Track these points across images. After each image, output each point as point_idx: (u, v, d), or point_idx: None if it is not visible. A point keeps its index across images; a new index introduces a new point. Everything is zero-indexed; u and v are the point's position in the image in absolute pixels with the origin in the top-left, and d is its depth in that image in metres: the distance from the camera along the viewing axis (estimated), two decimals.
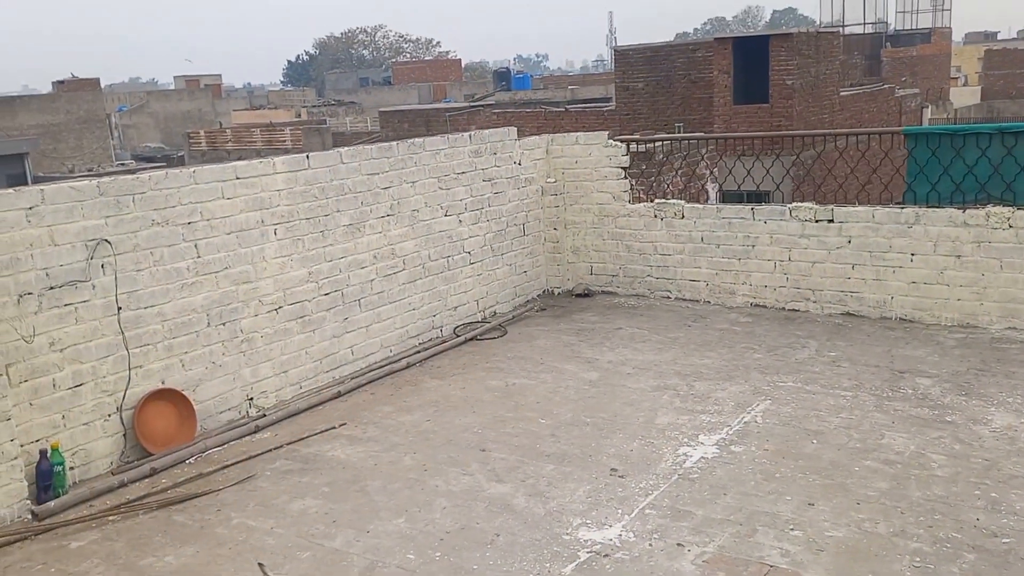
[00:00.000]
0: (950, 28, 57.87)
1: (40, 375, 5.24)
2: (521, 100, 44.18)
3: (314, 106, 55.32)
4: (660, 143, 11.64)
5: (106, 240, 5.54)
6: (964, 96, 50.15)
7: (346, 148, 7.26)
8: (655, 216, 8.87)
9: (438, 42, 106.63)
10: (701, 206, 8.67)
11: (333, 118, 45.52)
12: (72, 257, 5.38)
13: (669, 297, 8.92)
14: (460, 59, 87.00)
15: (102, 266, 5.54)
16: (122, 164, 40.24)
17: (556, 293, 9.49)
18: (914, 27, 56.87)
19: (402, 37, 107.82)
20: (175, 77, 73.10)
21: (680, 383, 6.55)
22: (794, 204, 8.09)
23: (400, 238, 7.72)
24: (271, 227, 6.60)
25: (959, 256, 7.26)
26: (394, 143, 7.66)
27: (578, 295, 9.34)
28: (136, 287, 5.74)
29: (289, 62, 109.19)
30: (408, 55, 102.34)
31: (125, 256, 5.66)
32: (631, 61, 27.54)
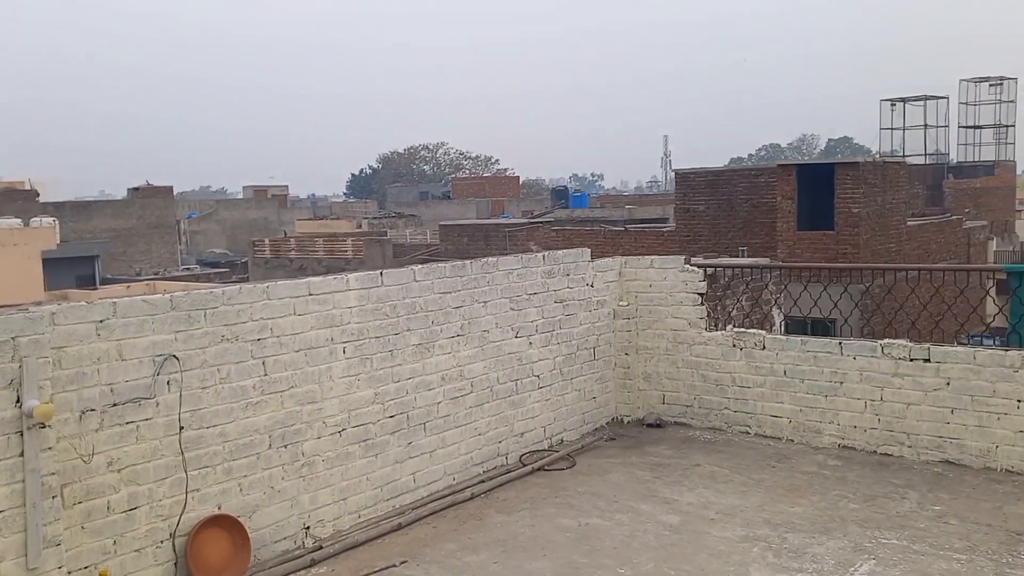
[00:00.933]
0: (1014, 161, 57.60)
1: (95, 497, 4.95)
2: (579, 218, 44.66)
3: (375, 218, 56.63)
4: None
5: (174, 356, 5.34)
6: None
7: (420, 266, 7.09)
8: (733, 345, 8.47)
9: (496, 159, 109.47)
10: (784, 337, 8.25)
11: (393, 230, 46.43)
12: (138, 373, 5.18)
13: (748, 432, 8.40)
14: (518, 176, 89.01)
15: (167, 383, 5.32)
16: (187, 269, 41.30)
17: (626, 422, 9.04)
18: (977, 159, 56.70)
19: (462, 154, 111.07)
20: (244, 187, 75.92)
21: (771, 534, 6.00)
22: (886, 341, 7.63)
23: (469, 359, 7.43)
24: (340, 345, 6.37)
25: None
26: (467, 262, 7.48)
27: (649, 425, 8.88)
28: (200, 405, 5.49)
29: (352, 175, 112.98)
30: (467, 171, 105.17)
31: (191, 373, 5.45)
32: (692, 184, 27.65)
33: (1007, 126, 58.21)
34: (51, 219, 34.93)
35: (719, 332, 8.62)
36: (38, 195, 42.92)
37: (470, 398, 7.45)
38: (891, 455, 7.57)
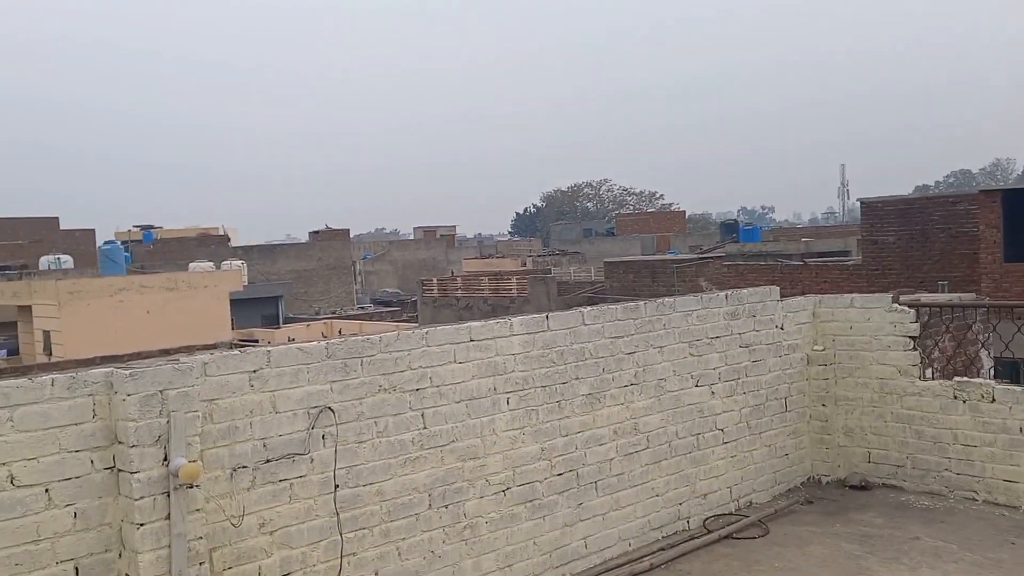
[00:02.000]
0: None
1: (246, 561, 4.61)
2: (751, 252, 42.78)
3: (539, 255, 56.79)
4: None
5: (329, 408, 4.97)
6: None
7: (589, 308, 6.47)
8: (954, 397, 7.28)
9: (661, 195, 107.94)
10: (1019, 388, 6.99)
11: (557, 267, 46.27)
12: (292, 426, 4.84)
13: (975, 499, 7.16)
14: (683, 210, 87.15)
15: (323, 437, 4.95)
16: (362, 308, 42.79)
17: (824, 482, 7.98)
18: None
19: (626, 190, 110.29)
20: (414, 228, 78.51)
21: None
22: None
23: (644, 411, 6.71)
24: (503, 396, 5.84)
25: None
26: (641, 303, 6.79)
27: (853, 487, 7.77)
28: (356, 461, 5.09)
29: (517, 214, 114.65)
30: (631, 207, 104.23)
31: (347, 426, 5.06)
32: (880, 214, 25.62)
33: None
34: (239, 262, 37.14)
35: (936, 381, 7.44)
36: (229, 239, 45.96)
37: (646, 454, 6.71)
38: None
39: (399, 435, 5.30)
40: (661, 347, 6.84)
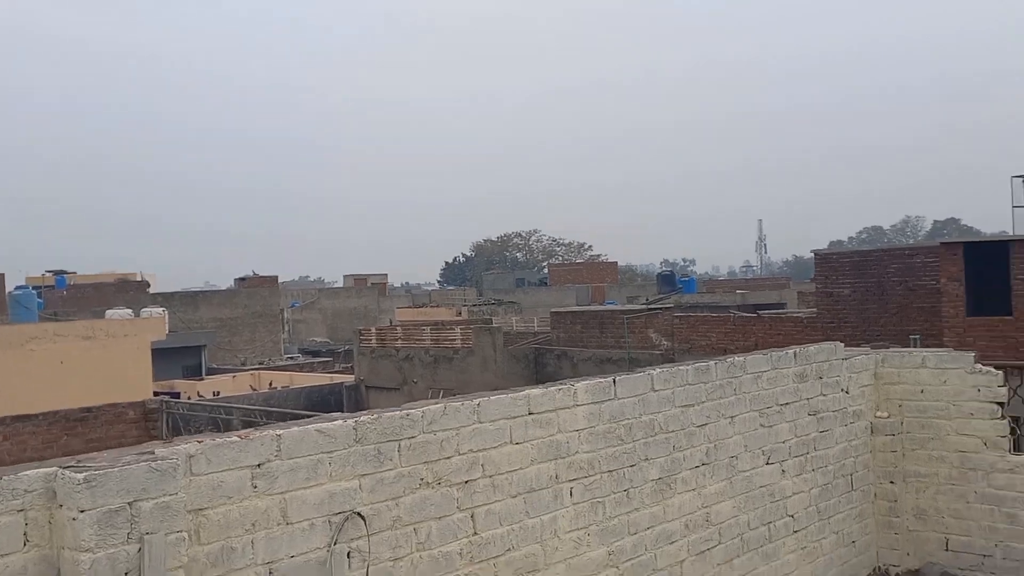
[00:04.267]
0: None
1: None
2: (690, 304, 42.35)
3: (475, 305, 55.47)
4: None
5: (358, 513, 3.55)
6: None
7: (657, 370, 5.19)
8: None
9: (590, 246, 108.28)
10: None
11: (495, 317, 45.01)
12: (308, 543, 3.39)
13: None
14: (615, 261, 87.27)
15: (348, 555, 3.52)
16: (291, 358, 40.54)
17: (893, 573, 6.81)
18: None
19: (555, 241, 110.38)
20: (344, 276, 76.31)
21: None
22: None
23: (716, 497, 5.44)
24: (567, 485, 4.50)
25: None
26: (711, 363, 5.56)
27: None
28: None
29: (446, 263, 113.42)
30: (560, 257, 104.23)
31: (381, 537, 3.63)
32: (834, 266, 25.22)
33: None
34: (160, 309, 34.73)
35: None
36: (148, 286, 43.28)
37: (718, 551, 5.42)
38: None
39: (444, 546, 3.89)
40: (732, 417, 5.60)
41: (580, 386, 4.65)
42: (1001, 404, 6.54)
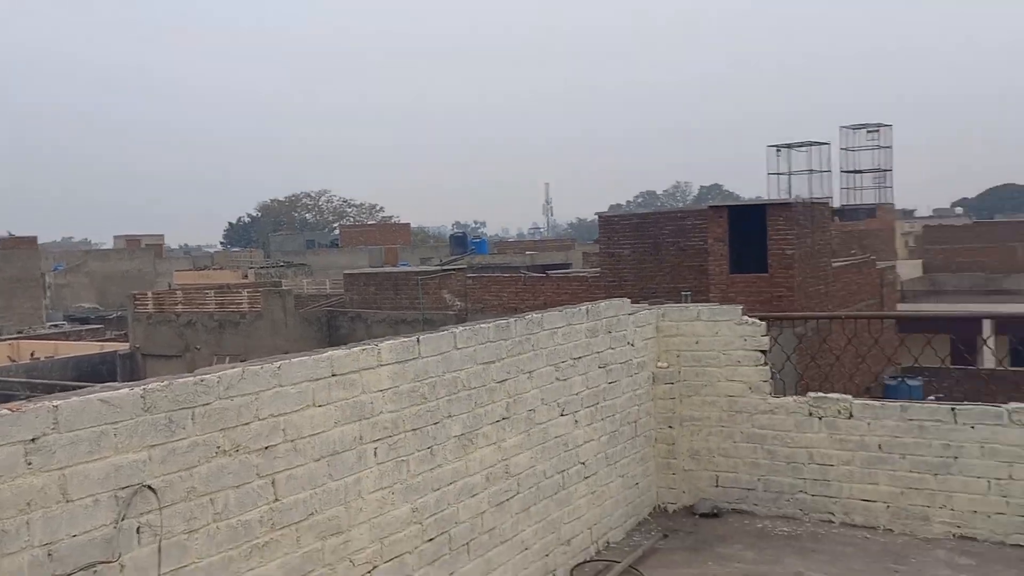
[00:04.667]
0: (893, 203, 60.16)
1: None
2: (482, 265, 43.14)
3: (262, 267, 53.38)
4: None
5: (148, 486, 3.33)
6: (908, 269, 51.15)
7: (460, 328, 5.24)
8: (810, 414, 6.97)
9: (381, 207, 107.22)
10: (878, 403, 6.82)
11: (284, 279, 43.59)
12: (92, 520, 3.14)
13: (832, 521, 6.87)
14: (408, 223, 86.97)
15: (138, 530, 3.29)
16: (55, 325, 37.17)
17: (671, 511, 7.37)
18: (858, 203, 58.84)
19: (346, 202, 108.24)
20: (115, 236, 70.71)
21: None
22: (1014, 406, 6.29)
23: (515, 449, 5.61)
24: (371, 445, 4.46)
25: None
26: (511, 320, 5.69)
27: (703, 515, 7.22)
28: (185, 561, 3.47)
29: (230, 224, 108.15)
30: (352, 219, 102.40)
31: (174, 510, 3.43)
32: (616, 228, 26.60)
33: (885, 170, 60.79)
34: None
35: (790, 398, 7.10)
36: None
37: (516, 501, 5.61)
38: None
39: (244, 515, 3.74)
40: (530, 372, 5.79)
41: (384, 346, 4.60)
42: (764, 352, 7.20)
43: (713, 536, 6.80)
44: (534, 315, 5.94)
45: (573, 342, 6.28)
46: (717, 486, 7.36)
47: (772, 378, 7.23)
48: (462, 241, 52.79)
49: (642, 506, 7.23)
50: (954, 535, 6.43)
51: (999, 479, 6.28)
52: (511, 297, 27.35)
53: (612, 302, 6.90)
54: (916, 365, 26.75)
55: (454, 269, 32.26)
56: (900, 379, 25.28)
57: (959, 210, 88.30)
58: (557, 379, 6.07)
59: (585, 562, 6.25)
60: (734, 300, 22.96)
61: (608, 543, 6.64)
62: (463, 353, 5.16)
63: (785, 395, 7.18)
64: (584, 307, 6.52)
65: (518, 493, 5.62)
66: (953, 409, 6.46)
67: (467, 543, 5.14)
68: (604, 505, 6.63)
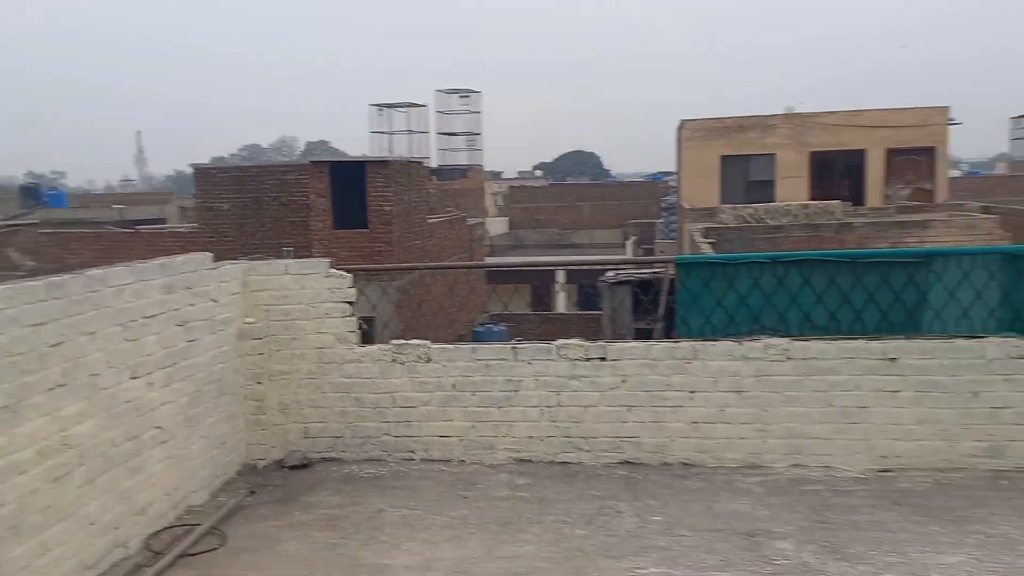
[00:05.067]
0: (483, 166, 64.96)
1: None
2: (61, 220, 38.46)
3: None
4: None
5: None
6: (496, 226, 55.86)
7: (3, 286, 4.60)
8: (393, 360, 7.30)
9: None
10: (452, 347, 7.34)
11: None
12: None
13: (413, 459, 7.32)
14: None
15: None
16: None
17: (261, 467, 7.30)
18: (453, 164, 62.61)
19: None
20: None
21: None
22: (562, 342, 7.18)
23: (76, 419, 5.12)
24: None
25: (740, 391, 6.93)
26: (66, 278, 5.13)
27: (293, 467, 7.26)
28: None
29: None
30: None
31: None
32: (215, 181, 25.41)
33: (475, 134, 65.34)
34: None
35: (376, 346, 7.37)
36: None
37: (79, 474, 5.14)
38: (569, 463, 7.14)
39: None
40: (92, 333, 5.29)
41: None
42: (351, 303, 7.38)
43: (302, 486, 6.87)
44: (97, 271, 5.42)
45: (145, 300, 5.86)
46: (307, 437, 7.44)
47: (361, 329, 7.45)
48: (34, 193, 46.49)
49: (230, 465, 7.06)
50: (514, 459, 7.21)
51: (549, 406, 7.16)
52: (96, 255, 24.86)
53: (191, 257, 6.56)
54: (504, 312, 29.55)
55: (24, 224, 28.39)
56: (488, 325, 27.71)
57: (539, 173, 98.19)
58: (126, 340, 5.63)
59: (163, 529, 5.94)
60: (337, 255, 23.18)
61: (190, 507, 6.38)
62: (5, 315, 4.55)
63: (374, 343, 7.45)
64: (158, 262, 6.11)
65: (81, 465, 5.15)
66: (514, 348, 7.21)
67: (15, 526, 4.60)
68: (185, 469, 6.34)
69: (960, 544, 5.33)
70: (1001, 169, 64.51)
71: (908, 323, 6.59)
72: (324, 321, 7.33)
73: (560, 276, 35.13)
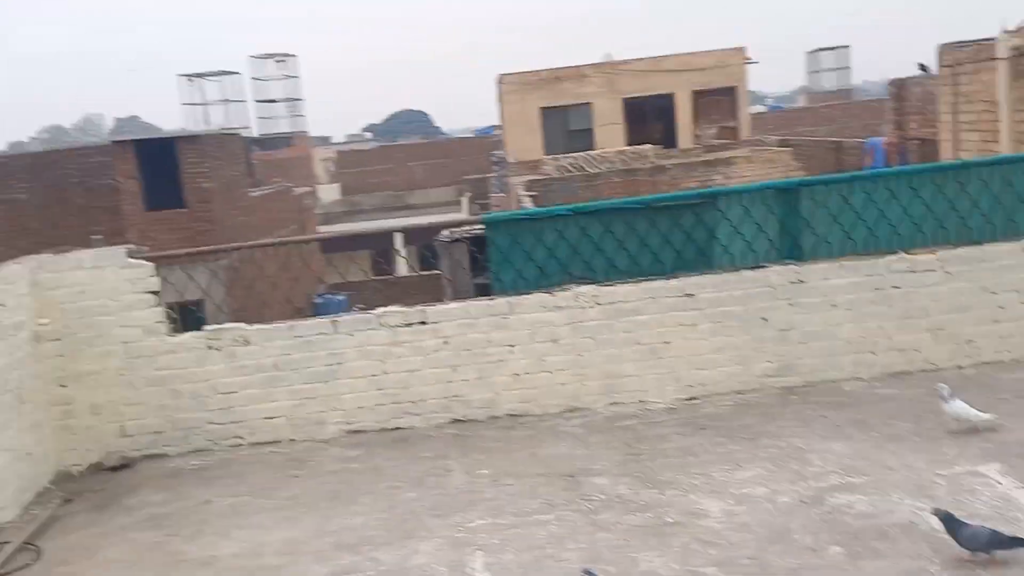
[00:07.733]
0: (307, 132, 63.06)
1: None
2: None
3: None
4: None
5: None
6: (328, 193, 54.72)
7: None
8: (209, 347, 7.09)
9: None
10: (270, 326, 7.19)
11: None
12: None
13: (241, 444, 7.17)
14: None
15: None
16: None
17: (78, 473, 6.95)
18: (276, 132, 60.44)
19: None
20: None
21: (362, 561, 5.09)
22: (381, 310, 7.19)
23: None
24: None
25: (556, 340, 7.20)
26: None
27: (112, 469, 6.96)
28: None
29: None
30: None
31: None
32: (9, 170, 23.54)
33: (296, 100, 63.18)
34: None
35: (188, 335, 7.12)
36: None
37: None
38: (402, 428, 7.22)
39: None
40: None
41: None
42: (156, 293, 7.08)
43: (122, 488, 6.61)
44: None
45: None
46: (125, 436, 7.13)
47: (171, 318, 7.17)
48: None
49: (41, 476, 6.68)
50: (346, 431, 7.21)
51: (375, 375, 7.19)
52: None
53: None
54: (342, 281, 29.10)
55: None
56: (327, 296, 27.23)
57: (368, 135, 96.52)
58: None
59: None
60: (155, 239, 22.13)
61: None
62: None
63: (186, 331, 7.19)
64: None
65: None
66: (333, 321, 7.17)
67: None
68: None
69: (754, 459, 5.82)
70: (802, 102, 69.16)
71: (701, 260, 7.04)
72: (128, 314, 7.00)
73: (398, 239, 34.94)
